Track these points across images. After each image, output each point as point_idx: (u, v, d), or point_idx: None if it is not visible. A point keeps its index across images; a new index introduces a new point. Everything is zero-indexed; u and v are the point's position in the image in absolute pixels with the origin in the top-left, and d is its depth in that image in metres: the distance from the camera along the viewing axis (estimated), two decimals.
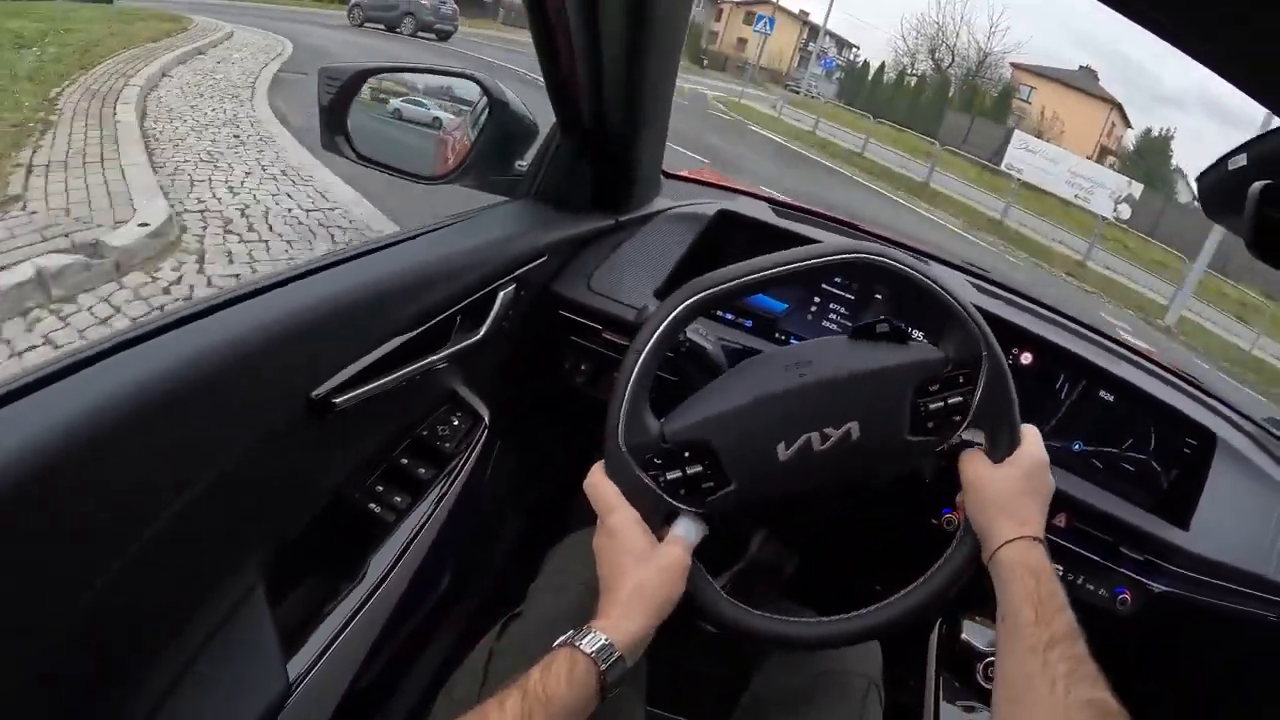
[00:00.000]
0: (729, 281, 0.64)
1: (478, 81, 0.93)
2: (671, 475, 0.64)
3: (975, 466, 0.68)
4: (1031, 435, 0.70)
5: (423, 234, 0.82)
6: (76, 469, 0.45)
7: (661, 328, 0.63)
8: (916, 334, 0.75)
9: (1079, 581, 1.03)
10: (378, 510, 0.82)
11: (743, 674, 0.86)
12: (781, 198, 1.29)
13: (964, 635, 1.02)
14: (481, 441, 0.89)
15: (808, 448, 0.64)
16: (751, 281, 0.64)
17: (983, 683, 0.97)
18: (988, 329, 0.67)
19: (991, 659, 0.97)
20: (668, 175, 1.15)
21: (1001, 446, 0.68)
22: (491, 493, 0.94)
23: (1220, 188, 0.70)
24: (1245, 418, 1.25)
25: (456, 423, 0.88)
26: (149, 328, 0.54)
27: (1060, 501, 1.02)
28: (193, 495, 0.55)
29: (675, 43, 0.77)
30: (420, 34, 15.43)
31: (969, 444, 0.69)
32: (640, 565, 0.60)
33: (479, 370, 0.91)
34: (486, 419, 0.90)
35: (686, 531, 0.64)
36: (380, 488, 0.83)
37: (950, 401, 0.67)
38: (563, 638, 0.57)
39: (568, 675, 0.53)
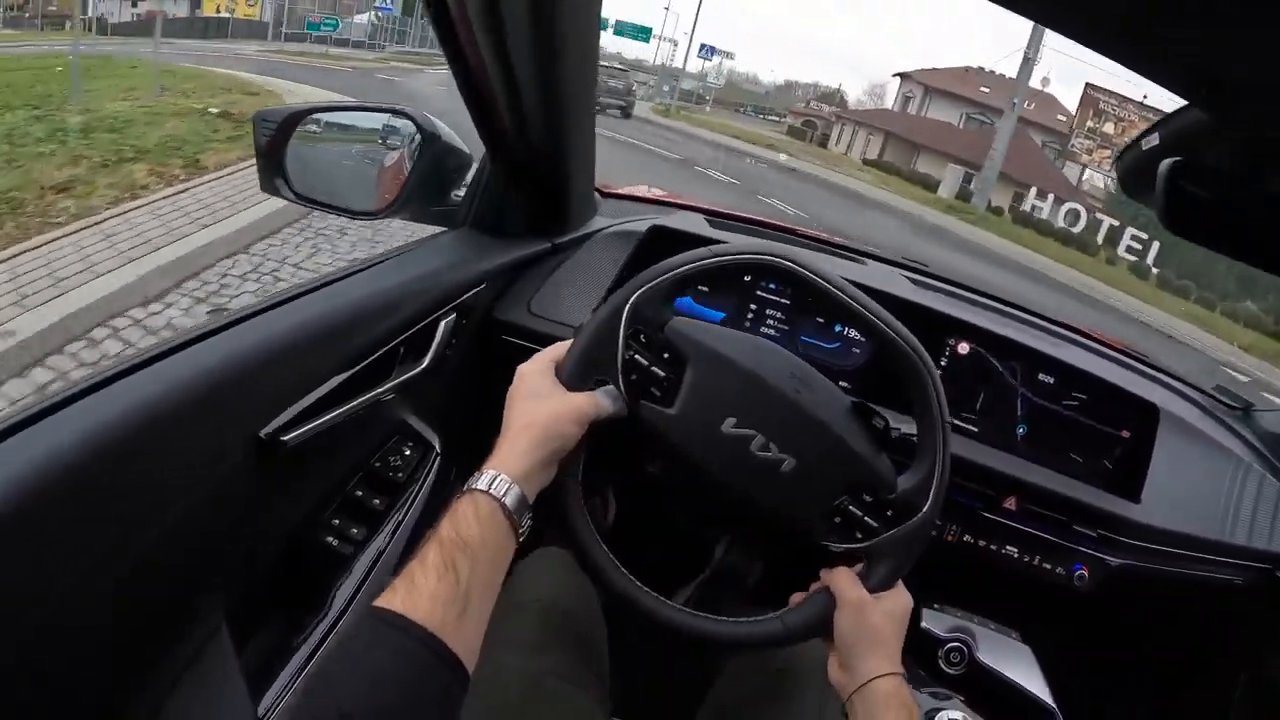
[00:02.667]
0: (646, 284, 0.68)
1: (408, 116, 0.96)
2: (641, 357, 0.67)
3: (857, 589, 0.68)
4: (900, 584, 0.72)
5: (361, 270, 0.85)
6: (30, 523, 0.47)
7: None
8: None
9: (1035, 562, 1.08)
10: (335, 544, 0.84)
11: (705, 681, 0.89)
12: (719, 209, 1.34)
13: (924, 624, 1.06)
14: (434, 469, 0.92)
15: (747, 441, 0.67)
16: (653, 285, 0.68)
17: (945, 668, 1.00)
18: (906, 335, 0.70)
19: (954, 644, 1.00)
20: (605, 194, 1.20)
21: (877, 580, 0.69)
22: None
23: (1136, 167, 0.74)
24: (1193, 387, 1.32)
25: (408, 452, 0.91)
26: (94, 380, 0.56)
27: (1009, 485, 1.06)
28: (148, 542, 0.56)
29: (587, 64, 0.80)
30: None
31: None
32: (534, 403, 0.63)
33: (427, 399, 0.94)
34: (437, 447, 0.93)
35: (602, 398, 0.66)
36: (336, 521, 0.85)
37: (866, 521, 0.69)
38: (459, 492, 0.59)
39: (475, 515, 0.55)
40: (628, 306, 0.68)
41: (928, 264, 1.35)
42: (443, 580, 0.50)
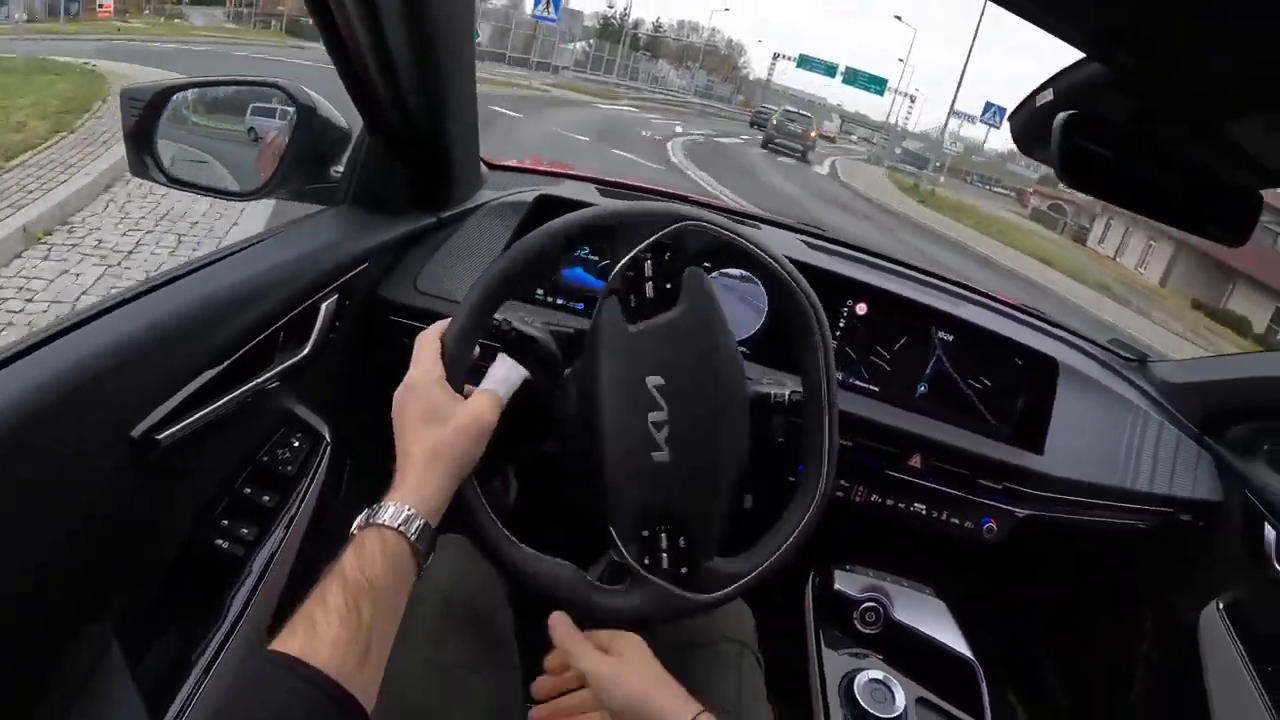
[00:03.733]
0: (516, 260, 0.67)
1: (282, 89, 0.92)
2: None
3: (595, 663, 0.67)
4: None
5: (234, 253, 0.81)
6: None
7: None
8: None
9: (943, 517, 1.10)
10: (226, 545, 0.81)
11: None
12: (609, 178, 1.32)
13: (837, 585, 1.08)
14: (324, 460, 0.89)
15: (654, 408, 0.66)
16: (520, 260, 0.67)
17: (862, 629, 1.02)
18: (799, 279, 0.71)
19: (869, 604, 1.02)
20: (493, 166, 1.16)
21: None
22: (346, 512, 0.94)
23: (1031, 123, 0.74)
24: (1090, 341, 1.35)
25: (297, 444, 0.88)
26: None
27: (913, 442, 1.08)
28: (19, 562, 0.53)
29: (462, 31, 0.77)
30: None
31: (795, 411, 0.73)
32: (433, 426, 0.60)
33: (314, 387, 0.90)
34: (327, 436, 0.90)
35: (502, 379, 0.64)
36: (225, 521, 0.82)
37: (660, 555, 0.68)
38: (360, 517, 0.57)
39: (381, 553, 0.54)
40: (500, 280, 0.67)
41: (825, 228, 1.36)
42: (344, 624, 0.49)
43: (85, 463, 0.59)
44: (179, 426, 0.67)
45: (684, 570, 0.68)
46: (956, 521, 1.10)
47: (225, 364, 0.73)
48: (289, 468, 0.87)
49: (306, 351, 0.83)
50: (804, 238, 1.27)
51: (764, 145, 21.79)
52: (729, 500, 0.69)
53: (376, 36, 0.70)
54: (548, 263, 0.71)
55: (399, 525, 0.55)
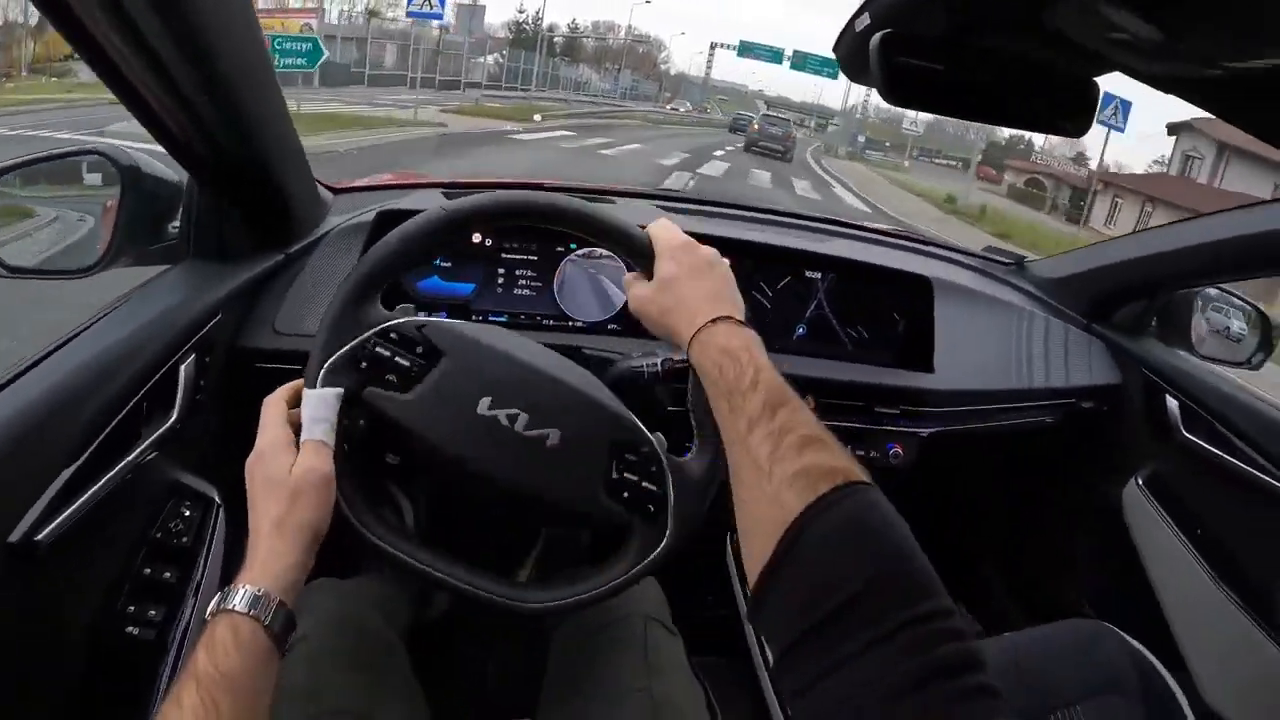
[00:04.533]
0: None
1: (101, 153, 0.88)
2: (384, 350, 0.65)
3: (632, 293, 0.68)
4: (659, 227, 0.70)
5: (77, 334, 0.78)
6: None
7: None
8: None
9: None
10: (137, 632, 0.79)
11: (537, 665, 0.88)
12: (462, 179, 1.30)
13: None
14: (218, 523, 0.87)
15: (509, 421, 0.66)
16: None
17: None
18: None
19: None
20: (337, 190, 1.14)
21: (636, 258, 0.69)
22: None
23: (853, 50, 0.75)
24: (966, 254, 1.39)
25: (188, 513, 0.85)
26: None
27: (799, 386, 1.09)
28: None
29: (252, 57, 0.74)
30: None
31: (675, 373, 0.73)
32: (272, 495, 0.58)
33: (196, 452, 0.88)
34: (217, 498, 0.88)
35: (314, 419, 0.62)
36: (132, 608, 0.79)
37: (642, 486, 0.67)
38: (212, 604, 0.54)
39: (234, 643, 0.51)
40: (338, 314, 0.66)
41: (678, 190, 1.37)
42: None
43: None
44: (57, 523, 0.65)
45: (669, 477, 0.68)
46: (861, 453, 1.12)
47: (91, 448, 0.71)
48: (184, 539, 0.85)
49: (174, 418, 0.81)
50: (660, 202, 1.28)
51: (747, 149, 23.30)
52: (621, 403, 0.70)
53: (161, 78, 0.68)
54: (390, 276, 0.70)
55: (251, 610, 0.52)
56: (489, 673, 0.99)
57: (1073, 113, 0.66)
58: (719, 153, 20.64)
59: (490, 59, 31.60)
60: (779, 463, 0.50)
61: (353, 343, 0.65)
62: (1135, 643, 0.97)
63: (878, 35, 0.59)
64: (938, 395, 1.13)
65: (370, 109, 16.11)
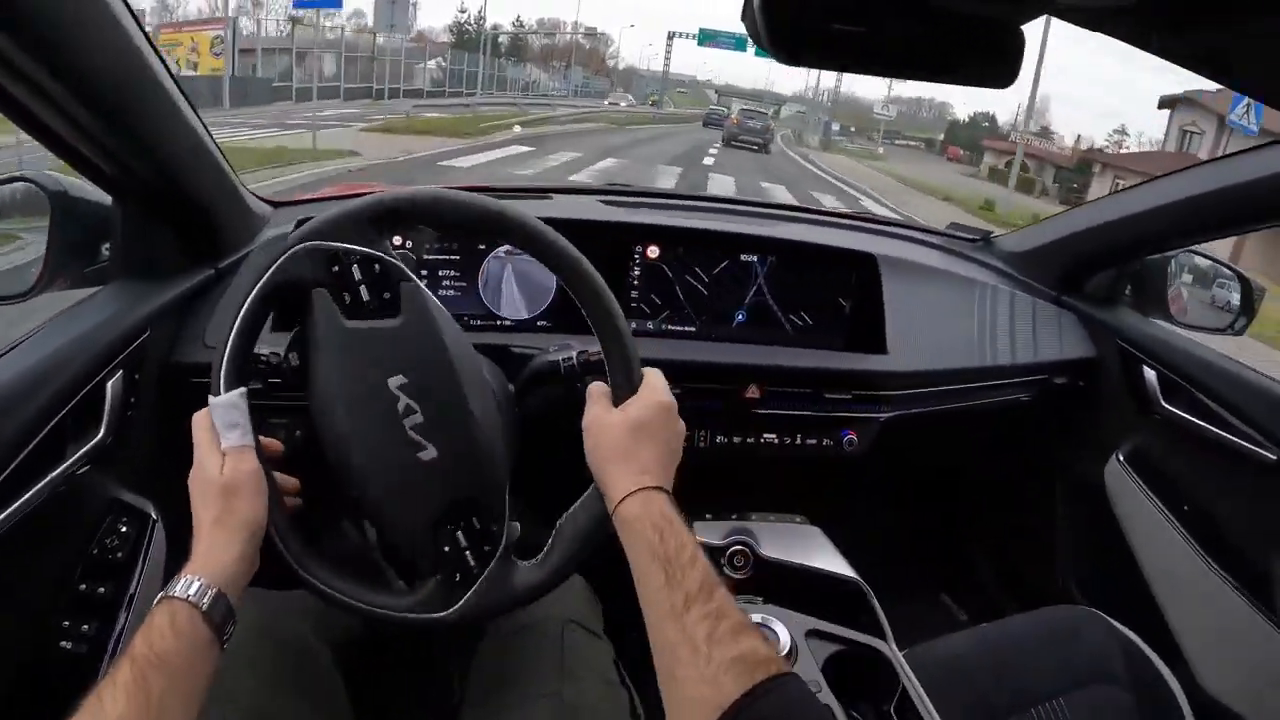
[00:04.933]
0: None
1: (28, 180, 0.90)
2: (357, 274, 0.66)
3: (592, 411, 0.68)
4: (655, 378, 0.69)
5: (3, 354, 0.79)
6: None
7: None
8: None
9: (798, 441, 1.08)
10: (70, 646, 0.80)
11: (459, 676, 0.87)
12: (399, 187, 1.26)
13: (699, 539, 1.04)
14: (153, 538, 0.87)
15: (406, 411, 0.65)
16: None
17: (733, 575, 0.97)
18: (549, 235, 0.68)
19: (734, 548, 0.99)
20: (278, 204, 1.14)
21: (619, 385, 0.68)
22: None
23: (752, 15, 0.72)
24: (929, 232, 1.35)
25: (125, 529, 0.86)
26: None
27: (743, 374, 1.06)
28: None
29: (146, 82, 0.74)
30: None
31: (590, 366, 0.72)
32: (210, 499, 0.61)
33: (133, 468, 0.89)
34: (153, 514, 0.89)
35: (227, 424, 0.63)
36: (66, 622, 0.80)
37: (465, 554, 0.67)
38: (157, 596, 0.56)
39: (171, 626, 0.53)
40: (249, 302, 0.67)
41: (628, 184, 1.35)
42: (132, 700, 0.49)
43: None
44: None
45: (492, 562, 0.67)
46: (814, 442, 1.09)
47: (12, 465, 0.71)
48: (119, 554, 0.85)
49: (101, 434, 0.81)
50: (604, 197, 1.26)
51: (727, 143, 23.36)
52: (507, 482, 0.69)
53: (52, 109, 0.68)
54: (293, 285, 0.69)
55: (188, 596, 0.55)
56: (416, 682, 0.98)
57: (998, 63, 0.63)
58: (709, 160, 18.11)
59: (432, 64, 29.29)
60: (717, 645, 0.51)
61: (345, 245, 0.65)
62: (1123, 628, 0.93)
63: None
64: (893, 377, 1.10)
65: (267, 135, 12.93)
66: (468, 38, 44.44)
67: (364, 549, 0.97)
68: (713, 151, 20.68)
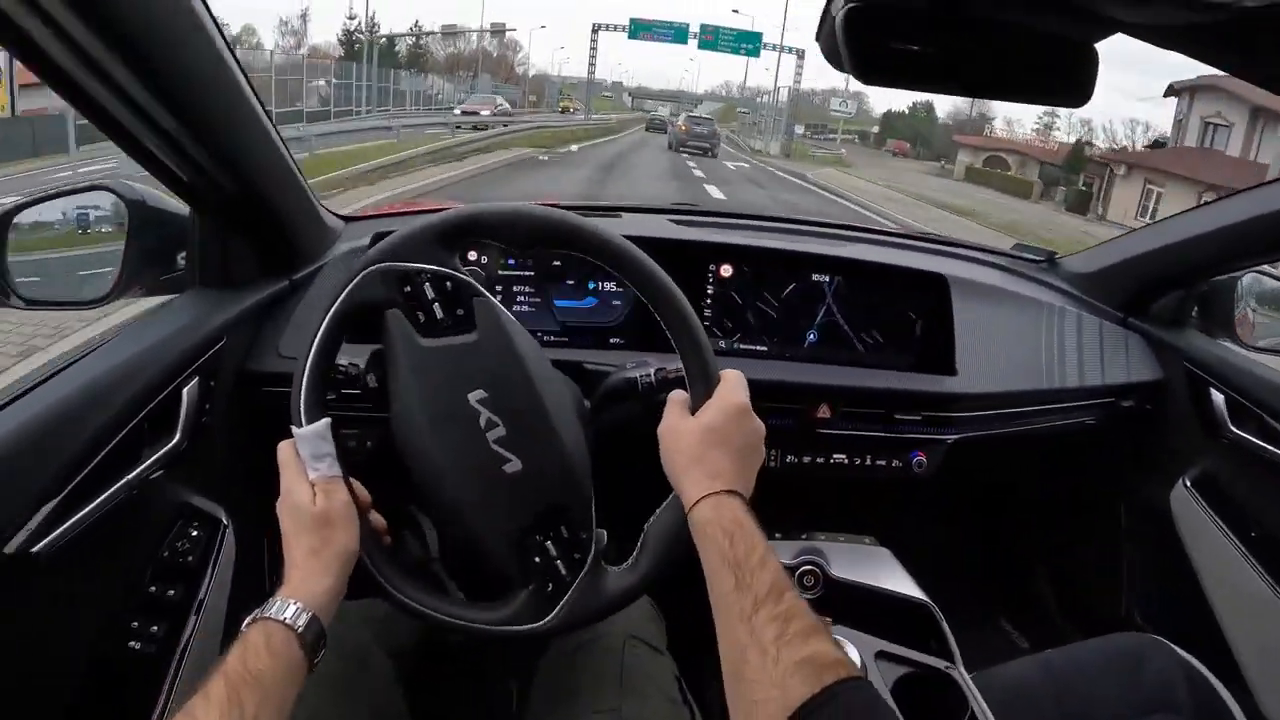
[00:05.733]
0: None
1: (108, 189, 0.92)
2: (429, 291, 0.67)
3: (668, 419, 0.68)
4: (731, 379, 0.69)
5: (82, 357, 0.80)
6: None
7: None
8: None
9: (868, 462, 1.08)
10: (138, 646, 0.81)
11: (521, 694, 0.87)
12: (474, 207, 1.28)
13: None
14: (224, 543, 0.89)
15: (488, 426, 0.66)
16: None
17: (804, 595, 0.97)
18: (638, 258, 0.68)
19: (805, 569, 0.97)
20: (350, 219, 1.16)
21: (697, 395, 0.68)
22: (264, 593, 0.93)
23: (831, 35, 0.73)
24: (994, 253, 1.34)
25: (195, 533, 0.88)
26: None
27: (813, 394, 1.06)
28: None
29: (233, 97, 0.76)
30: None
31: (668, 383, 0.72)
32: (305, 531, 0.63)
33: (204, 473, 0.90)
34: (224, 519, 0.90)
35: (314, 456, 0.64)
36: (136, 623, 0.82)
37: (556, 563, 0.67)
38: (250, 616, 0.58)
39: (266, 646, 0.54)
40: (324, 328, 0.67)
41: (696, 204, 1.35)
42: (225, 716, 0.50)
43: None
44: (54, 536, 0.67)
45: (584, 569, 0.67)
46: (883, 463, 1.08)
47: (90, 466, 0.72)
48: (190, 558, 0.87)
49: (176, 439, 0.82)
50: (672, 216, 1.26)
51: (676, 149, 23.91)
52: (591, 493, 0.69)
53: (141, 119, 0.69)
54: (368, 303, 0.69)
55: (284, 618, 0.57)
56: (474, 693, 0.98)
57: (1072, 80, 0.63)
58: (697, 170, 16.77)
59: (321, 82, 24.39)
60: (785, 647, 0.51)
61: (412, 265, 0.66)
62: (1188, 656, 0.91)
63: (839, 12, 0.55)
64: (962, 399, 1.09)
65: None
66: (358, 48, 38.75)
67: (425, 561, 0.98)
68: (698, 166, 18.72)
